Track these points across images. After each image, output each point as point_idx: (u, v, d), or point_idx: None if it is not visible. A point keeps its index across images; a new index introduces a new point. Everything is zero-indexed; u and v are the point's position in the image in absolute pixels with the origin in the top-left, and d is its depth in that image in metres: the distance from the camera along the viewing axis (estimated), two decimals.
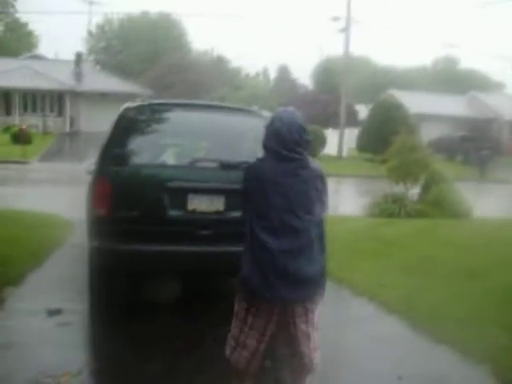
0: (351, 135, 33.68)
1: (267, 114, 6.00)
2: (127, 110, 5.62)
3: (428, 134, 35.04)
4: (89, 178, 5.97)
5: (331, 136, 33.29)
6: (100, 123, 25.99)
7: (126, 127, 5.46)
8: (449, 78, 66.02)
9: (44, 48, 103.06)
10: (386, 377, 4.23)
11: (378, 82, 61.59)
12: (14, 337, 4.73)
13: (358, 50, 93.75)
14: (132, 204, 5.11)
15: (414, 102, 40.73)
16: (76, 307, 5.50)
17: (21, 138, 23.74)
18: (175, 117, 5.77)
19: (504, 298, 6.06)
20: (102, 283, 5.56)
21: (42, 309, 5.36)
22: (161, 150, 5.53)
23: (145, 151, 5.48)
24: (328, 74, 45.73)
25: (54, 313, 5.28)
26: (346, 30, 32.84)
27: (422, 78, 68.09)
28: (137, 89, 39.19)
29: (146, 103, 6.13)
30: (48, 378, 3.92)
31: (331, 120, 36.94)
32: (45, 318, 5.19)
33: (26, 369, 4.06)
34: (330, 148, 32.47)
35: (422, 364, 4.55)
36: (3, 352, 4.39)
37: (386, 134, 19.93)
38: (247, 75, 78.90)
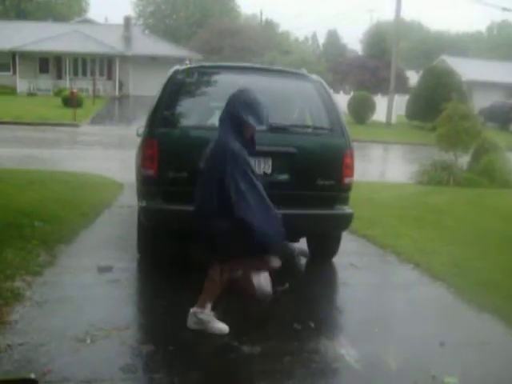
0: (401, 102, 32.99)
1: (316, 77, 5.94)
2: (176, 72, 5.63)
3: (480, 101, 34.09)
4: (138, 141, 6.07)
5: (380, 102, 32.75)
6: (149, 87, 26.33)
7: (175, 89, 5.47)
8: (504, 44, 63.77)
9: (94, 13, 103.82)
10: (429, 342, 4.23)
11: (429, 48, 60.05)
12: (66, 292, 4.88)
13: (409, 14, 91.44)
14: (179, 165, 5.16)
15: (467, 69, 39.62)
16: (125, 265, 5.66)
17: (71, 101, 24.12)
18: (224, 79, 5.74)
19: None
20: (150, 242, 5.68)
21: (92, 266, 5.51)
22: (209, 113, 5.55)
23: (193, 113, 5.53)
24: (378, 39, 44.58)
25: (104, 270, 5.43)
26: None
27: (476, 44, 66.01)
28: (185, 53, 39.25)
29: (195, 65, 6.15)
30: (99, 331, 4.07)
31: (381, 86, 36.32)
32: (96, 275, 5.34)
33: (78, 322, 4.21)
34: (379, 115, 31.98)
35: (464, 331, 4.54)
36: (56, 306, 4.56)
37: (436, 101, 19.54)
38: (296, 40, 77.98)
